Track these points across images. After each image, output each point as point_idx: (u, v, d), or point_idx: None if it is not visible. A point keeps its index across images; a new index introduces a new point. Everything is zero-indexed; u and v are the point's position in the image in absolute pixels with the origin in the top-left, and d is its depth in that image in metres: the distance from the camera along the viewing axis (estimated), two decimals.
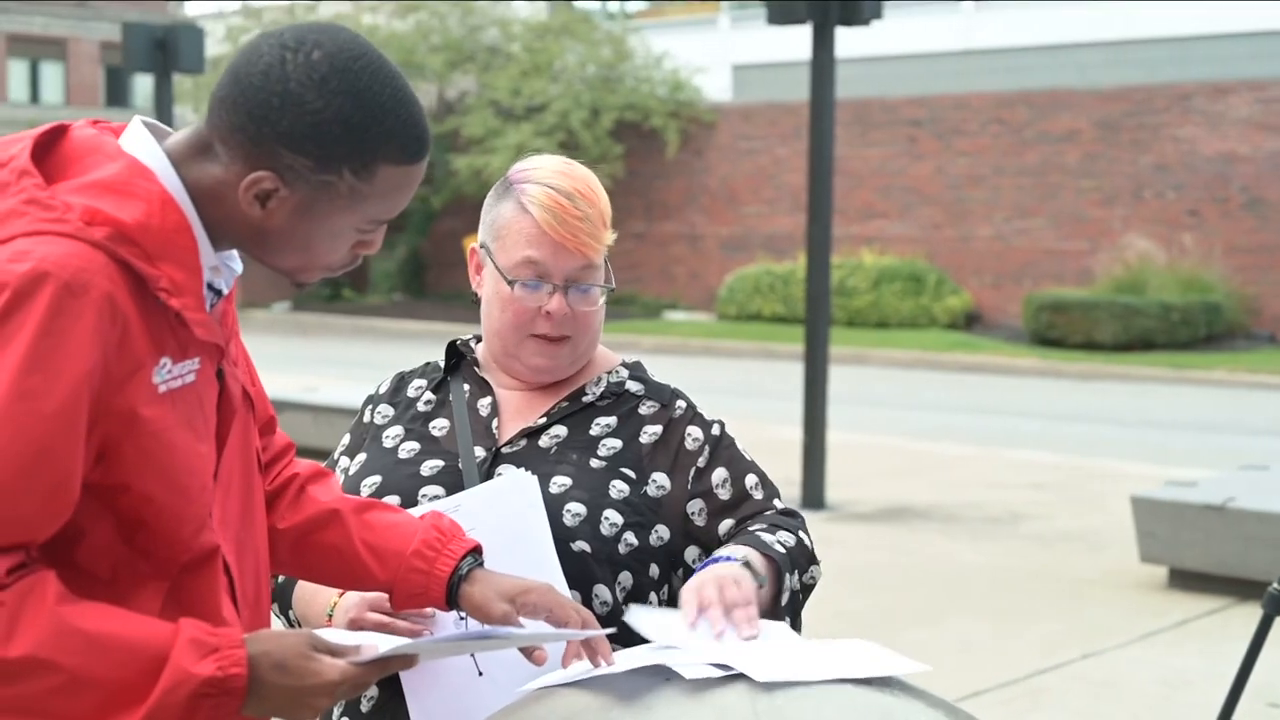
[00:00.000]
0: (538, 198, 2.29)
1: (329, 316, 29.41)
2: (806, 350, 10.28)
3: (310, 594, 2.28)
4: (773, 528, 2.29)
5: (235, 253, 1.87)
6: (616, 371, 2.43)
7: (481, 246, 2.38)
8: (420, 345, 20.83)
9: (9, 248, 1.64)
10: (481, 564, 2.07)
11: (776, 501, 2.36)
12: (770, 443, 11.44)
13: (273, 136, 1.73)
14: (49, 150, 1.74)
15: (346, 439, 2.48)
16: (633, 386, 2.41)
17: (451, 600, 2.04)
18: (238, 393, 1.89)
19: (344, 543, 2.05)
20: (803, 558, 2.28)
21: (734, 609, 2.05)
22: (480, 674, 2.17)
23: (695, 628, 2.03)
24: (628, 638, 2.17)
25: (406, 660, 1.81)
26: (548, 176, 2.32)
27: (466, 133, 28.51)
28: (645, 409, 2.39)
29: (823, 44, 10.22)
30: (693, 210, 27.85)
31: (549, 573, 2.15)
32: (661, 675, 1.87)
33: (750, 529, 2.29)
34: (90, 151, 1.74)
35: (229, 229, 1.79)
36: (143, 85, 39.77)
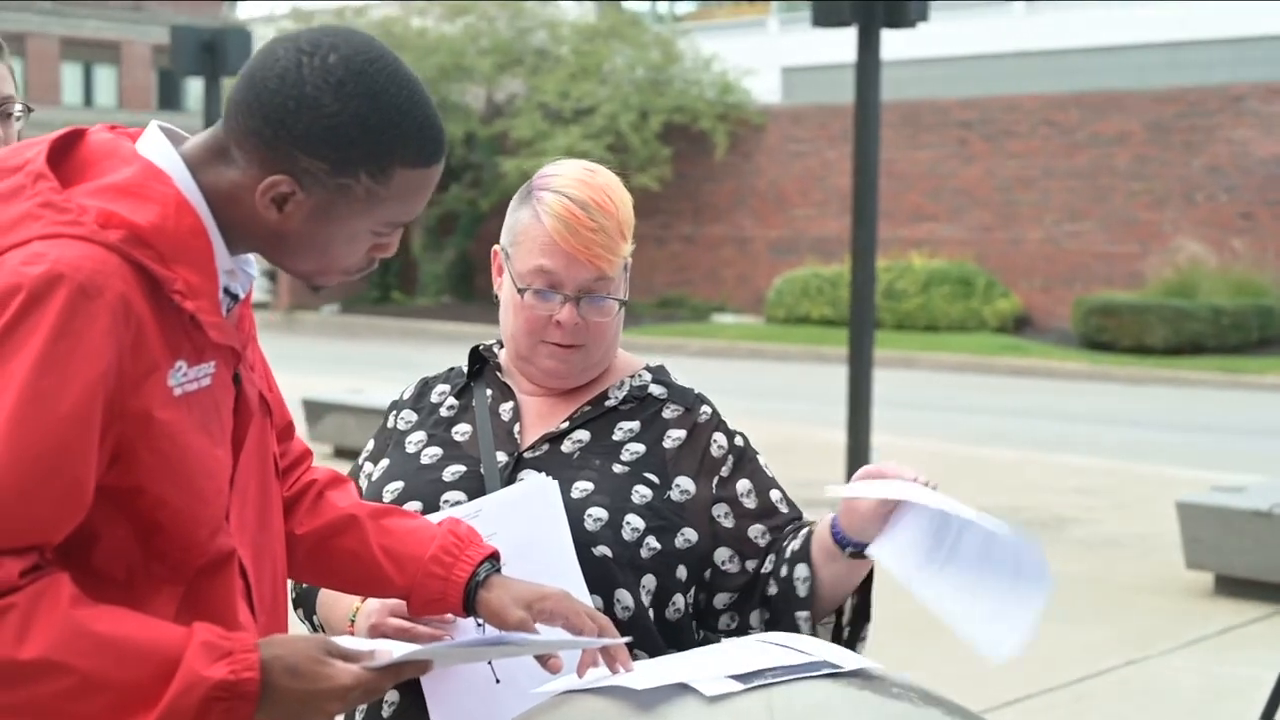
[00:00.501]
0: (552, 206, 2.27)
1: (377, 319, 29.49)
2: (851, 353, 10.24)
3: (333, 599, 2.27)
4: None
5: (251, 257, 1.86)
6: (639, 375, 2.41)
7: (502, 250, 2.37)
8: (468, 347, 20.72)
9: (24, 250, 1.65)
10: (499, 570, 2.06)
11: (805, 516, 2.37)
12: (815, 445, 11.41)
13: (289, 140, 1.73)
14: (65, 154, 1.74)
15: (371, 444, 2.48)
16: (656, 390, 2.40)
17: (469, 606, 2.03)
18: (254, 397, 1.88)
19: (361, 548, 2.04)
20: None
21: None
22: (498, 681, 2.16)
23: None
24: (645, 644, 2.16)
25: (421, 666, 1.80)
26: (566, 184, 2.29)
27: (515, 135, 28.56)
28: (669, 413, 2.37)
29: (868, 46, 10.16)
30: (741, 213, 27.80)
31: (569, 578, 2.14)
32: (681, 684, 1.86)
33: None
34: (106, 155, 1.74)
35: (245, 233, 1.79)
36: (195, 88, 39.97)
